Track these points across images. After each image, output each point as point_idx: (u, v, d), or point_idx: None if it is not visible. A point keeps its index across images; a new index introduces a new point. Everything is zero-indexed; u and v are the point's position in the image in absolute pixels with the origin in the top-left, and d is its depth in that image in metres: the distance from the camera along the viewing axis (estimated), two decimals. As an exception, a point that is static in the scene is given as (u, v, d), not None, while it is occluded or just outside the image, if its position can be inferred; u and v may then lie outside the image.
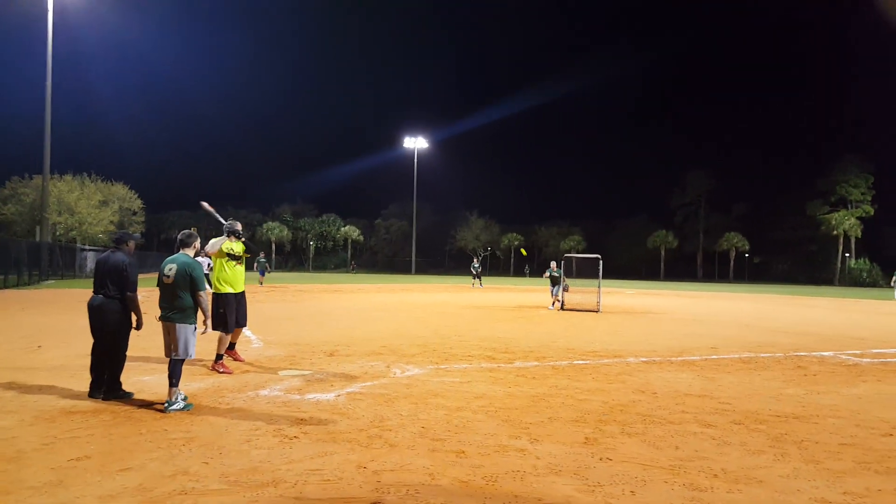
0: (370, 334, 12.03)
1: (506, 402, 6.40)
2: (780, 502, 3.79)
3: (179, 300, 5.93)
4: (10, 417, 5.48)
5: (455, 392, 6.81)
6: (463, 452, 4.64)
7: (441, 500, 3.71)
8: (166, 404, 5.73)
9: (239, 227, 8.43)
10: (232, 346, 8.57)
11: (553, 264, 20.48)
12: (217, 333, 8.00)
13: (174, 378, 5.81)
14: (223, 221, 8.33)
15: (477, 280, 39.36)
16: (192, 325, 6.02)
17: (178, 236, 6.42)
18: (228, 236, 8.27)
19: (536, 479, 4.12)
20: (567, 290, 20.21)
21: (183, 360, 5.95)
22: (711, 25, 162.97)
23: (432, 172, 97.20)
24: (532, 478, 4.13)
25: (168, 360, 5.94)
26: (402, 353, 9.53)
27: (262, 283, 33.83)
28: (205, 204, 8.78)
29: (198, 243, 6.40)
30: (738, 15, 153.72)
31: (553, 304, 20.35)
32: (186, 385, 6.94)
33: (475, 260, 42.96)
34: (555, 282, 20.15)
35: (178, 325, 5.90)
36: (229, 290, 8.20)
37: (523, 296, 29.06)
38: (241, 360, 8.50)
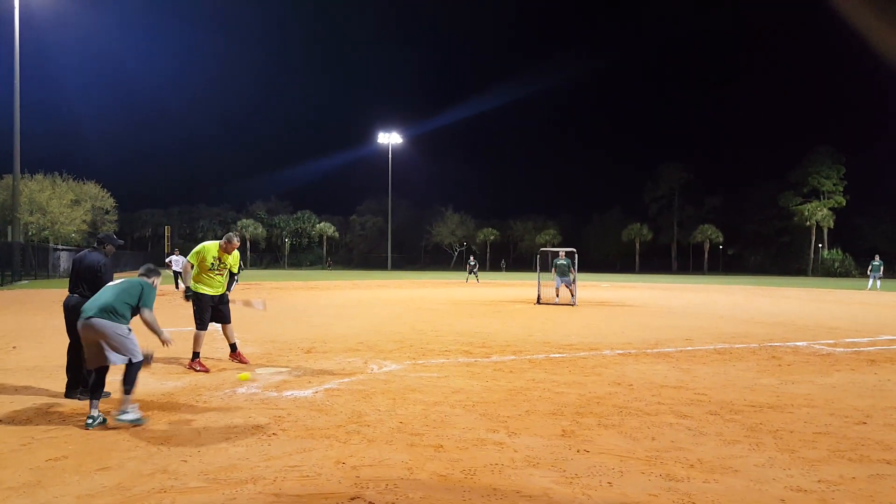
0: (347, 331, 12.00)
1: (483, 396, 6.43)
2: (756, 491, 3.86)
3: (114, 304, 5.36)
4: (-17, 419, 5.40)
5: (433, 387, 6.83)
6: (441, 447, 4.66)
7: (420, 495, 3.73)
8: (117, 413, 5.16)
9: (235, 242, 8.34)
10: (233, 346, 8.46)
11: (561, 252, 20.05)
12: (192, 332, 7.97)
13: (128, 384, 5.21)
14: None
15: (473, 276, 39.91)
16: (126, 327, 5.36)
17: (141, 270, 5.91)
18: (223, 242, 8.27)
19: (514, 471, 4.15)
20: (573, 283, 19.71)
21: (136, 364, 5.31)
22: (682, 19, 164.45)
23: (407, 168, 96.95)
24: (510, 471, 4.16)
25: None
26: (379, 349, 9.53)
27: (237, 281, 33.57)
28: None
29: (157, 280, 5.93)
30: (708, 8, 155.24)
31: (557, 295, 19.71)
32: (163, 384, 6.90)
33: (472, 257, 43.39)
34: (562, 272, 19.67)
35: (107, 323, 5.25)
36: (206, 290, 8.12)
37: (500, 290, 29.15)
38: (245, 362, 8.29)
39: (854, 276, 65.31)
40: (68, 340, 6.29)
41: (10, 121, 35.27)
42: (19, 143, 35.74)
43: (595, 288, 32.10)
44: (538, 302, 19.64)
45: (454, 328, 12.64)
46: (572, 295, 19.49)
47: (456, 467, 4.21)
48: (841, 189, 78.10)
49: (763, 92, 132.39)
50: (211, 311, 8.18)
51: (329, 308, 17.84)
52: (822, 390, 6.89)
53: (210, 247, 8.17)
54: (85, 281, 6.20)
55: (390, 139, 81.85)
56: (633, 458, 4.45)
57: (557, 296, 19.81)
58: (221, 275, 8.27)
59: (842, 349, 10.17)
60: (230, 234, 8.41)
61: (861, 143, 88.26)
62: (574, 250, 19.76)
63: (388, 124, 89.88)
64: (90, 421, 5.13)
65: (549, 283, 20.25)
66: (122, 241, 7.01)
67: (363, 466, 4.20)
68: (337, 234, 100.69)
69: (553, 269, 19.87)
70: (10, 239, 37.11)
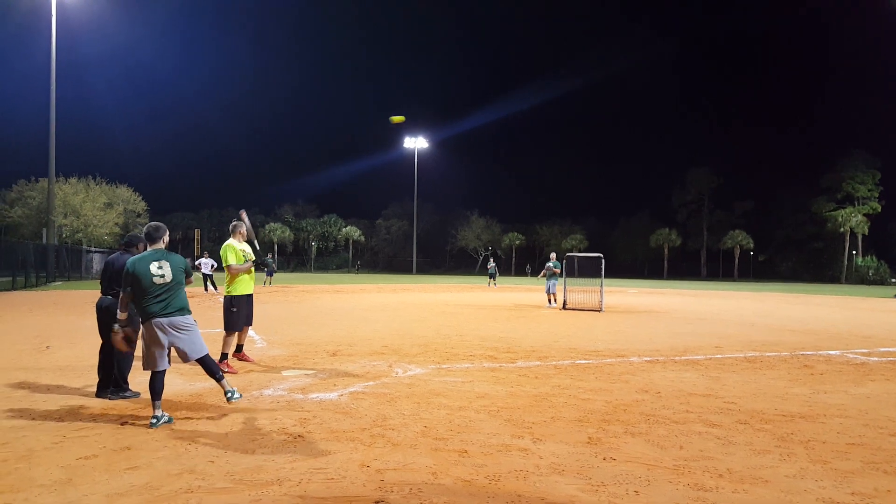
0: (372, 334, 12.04)
1: (508, 401, 6.39)
2: (787, 502, 3.78)
3: (181, 298, 5.55)
4: (20, 417, 5.51)
5: (457, 391, 6.81)
6: (465, 452, 4.64)
7: (444, 500, 3.71)
8: (228, 394, 5.58)
9: (244, 227, 8.44)
10: (240, 347, 8.59)
11: (553, 256, 20.46)
12: (221, 332, 8.08)
13: (219, 372, 5.63)
14: (255, 246, 8.37)
15: (492, 280, 40.04)
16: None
17: (146, 230, 5.74)
18: (234, 236, 8.32)
19: (540, 478, 4.11)
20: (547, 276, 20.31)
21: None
22: (714, 22, 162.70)
23: (433, 172, 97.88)
24: (535, 477, 4.13)
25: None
26: (404, 353, 9.54)
27: (270, 283, 34.05)
28: (244, 214, 8.55)
29: (166, 237, 5.81)
30: (741, 11, 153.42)
31: (551, 301, 20.24)
32: (191, 385, 6.97)
33: (490, 260, 43.44)
34: (552, 275, 20.07)
35: (192, 321, 5.57)
36: (242, 291, 8.21)
37: (525, 295, 29.03)
38: (250, 361, 8.51)
39: (889, 284, 63.98)
40: (101, 341, 6.40)
41: (45, 126, 36.15)
42: (55, 148, 36.53)
43: (622, 294, 31.83)
44: (564, 307, 19.53)
45: (479, 332, 12.62)
46: (555, 300, 20.12)
47: (480, 473, 4.19)
48: (876, 195, 76.64)
49: (796, 94, 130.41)
50: (246, 312, 8.30)
51: (354, 311, 17.91)
52: (856, 400, 6.74)
53: (231, 243, 8.21)
54: (119, 283, 6.30)
55: (416, 144, 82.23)
56: (661, 466, 4.39)
57: (552, 301, 20.28)
58: (253, 266, 8.36)
59: (876, 358, 9.95)
60: (233, 222, 8.46)
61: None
62: (601, 255, 19.65)
63: (414, 129, 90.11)
64: (154, 421, 5.22)
65: (573, 288, 20.27)
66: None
67: (387, 470, 4.20)
68: (363, 238, 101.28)
69: (544, 275, 20.67)
70: (44, 241, 37.93)
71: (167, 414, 5.40)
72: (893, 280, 67.23)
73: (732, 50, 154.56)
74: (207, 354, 5.61)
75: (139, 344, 5.78)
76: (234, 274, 8.06)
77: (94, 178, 56.34)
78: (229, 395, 5.58)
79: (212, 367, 5.59)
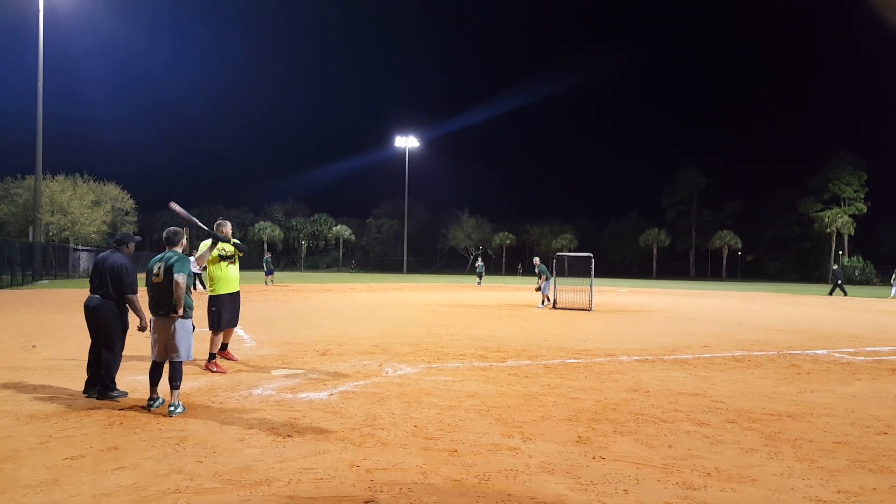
0: (362, 333, 12.02)
1: (498, 400, 6.40)
2: (774, 501, 3.80)
3: (173, 300, 5.79)
4: (6, 417, 5.47)
5: (447, 391, 6.81)
6: (455, 451, 4.64)
7: (434, 499, 3.71)
8: (171, 408, 5.58)
9: (227, 228, 8.35)
10: (224, 346, 8.56)
11: (536, 259, 20.64)
12: (209, 332, 8.03)
13: (177, 381, 5.73)
14: (202, 226, 7.71)
15: (479, 279, 40.11)
16: (190, 321, 5.99)
17: (165, 234, 6.16)
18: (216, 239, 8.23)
19: (529, 477, 4.12)
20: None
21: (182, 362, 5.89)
22: (703, 23, 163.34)
23: (423, 171, 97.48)
24: (525, 476, 4.13)
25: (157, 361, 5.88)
26: (394, 352, 9.53)
27: (271, 282, 33.78)
28: (174, 206, 7.57)
29: (185, 241, 6.25)
30: (729, 12, 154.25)
31: (543, 301, 20.30)
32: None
33: (478, 259, 43.44)
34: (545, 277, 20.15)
35: (180, 321, 5.84)
36: (223, 290, 8.16)
37: (515, 294, 29.06)
38: (234, 360, 8.49)
39: (874, 284, 64.49)
40: (89, 340, 6.37)
41: (32, 122, 35.85)
42: (42, 145, 36.23)
43: (612, 293, 31.93)
44: (554, 306, 19.58)
45: (469, 332, 12.62)
46: (546, 300, 20.15)
47: (470, 472, 4.19)
48: (862, 196, 77.17)
49: (784, 96, 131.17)
50: (229, 312, 8.25)
51: (344, 310, 17.88)
52: (842, 399, 6.80)
53: (209, 242, 7.97)
54: (109, 282, 6.27)
55: (407, 143, 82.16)
56: (650, 465, 4.41)
57: (543, 301, 20.31)
58: (234, 264, 8.30)
59: (862, 358, 10.03)
60: (217, 221, 8.40)
61: (884, 149, 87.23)
62: (591, 255, 19.72)
63: (404, 128, 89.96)
64: (150, 403, 5.77)
65: (562, 288, 20.31)
66: (139, 237, 7.04)
67: (377, 470, 4.20)
68: (353, 237, 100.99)
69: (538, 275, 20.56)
70: (31, 239, 37.62)
71: (162, 397, 5.74)
72: (877, 280, 67.70)
73: (723, 51, 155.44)
74: (181, 363, 5.85)
75: (127, 342, 6.30)
76: (200, 263, 7.99)
77: (82, 176, 55.90)
78: (172, 408, 5.63)
79: (175, 375, 5.76)
